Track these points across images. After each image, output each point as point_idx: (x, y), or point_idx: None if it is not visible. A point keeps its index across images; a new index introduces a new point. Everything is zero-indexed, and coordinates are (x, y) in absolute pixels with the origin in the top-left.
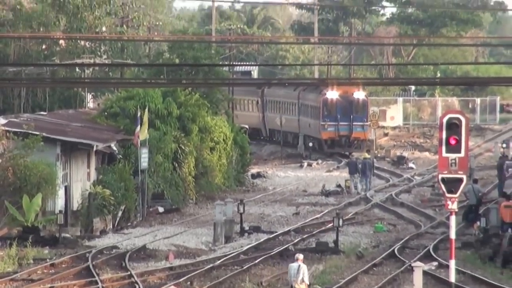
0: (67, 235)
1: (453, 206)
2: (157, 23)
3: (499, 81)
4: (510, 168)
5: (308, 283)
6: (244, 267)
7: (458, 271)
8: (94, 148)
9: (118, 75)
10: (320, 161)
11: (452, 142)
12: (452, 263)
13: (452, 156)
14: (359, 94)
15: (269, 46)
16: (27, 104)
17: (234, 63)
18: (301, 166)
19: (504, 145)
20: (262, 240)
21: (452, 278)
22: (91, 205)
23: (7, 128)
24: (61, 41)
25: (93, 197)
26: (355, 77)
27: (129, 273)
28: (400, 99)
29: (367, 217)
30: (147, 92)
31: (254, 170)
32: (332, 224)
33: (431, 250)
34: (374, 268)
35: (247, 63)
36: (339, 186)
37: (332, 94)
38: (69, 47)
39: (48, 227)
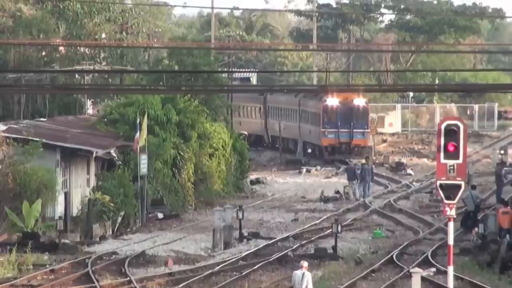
0: (67, 241)
1: (451, 212)
2: (157, 30)
3: (497, 88)
4: (508, 174)
5: None
6: (243, 273)
7: (456, 277)
8: (94, 154)
9: (118, 82)
10: (319, 167)
11: (450, 148)
12: (450, 269)
13: (450, 162)
14: (360, 101)
15: (268, 52)
16: (27, 111)
17: (233, 69)
18: (300, 172)
19: (502, 152)
20: (261, 246)
21: (450, 284)
22: (91, 211)
23: (7, 135)
24: (61, 48)
25: (93, 203)
26: (354, 84)
27: (128, 279)
28: (399, 106)
29: (366, 223)
30: (146, 99)
31: (253, 176)
32: (330, 230)
33: (429, 256)
34: (373, 274)
35: (246, 69)
36: (337, 192)
37: (333, 101)
38: (69, 54)
39: (48, 233)
